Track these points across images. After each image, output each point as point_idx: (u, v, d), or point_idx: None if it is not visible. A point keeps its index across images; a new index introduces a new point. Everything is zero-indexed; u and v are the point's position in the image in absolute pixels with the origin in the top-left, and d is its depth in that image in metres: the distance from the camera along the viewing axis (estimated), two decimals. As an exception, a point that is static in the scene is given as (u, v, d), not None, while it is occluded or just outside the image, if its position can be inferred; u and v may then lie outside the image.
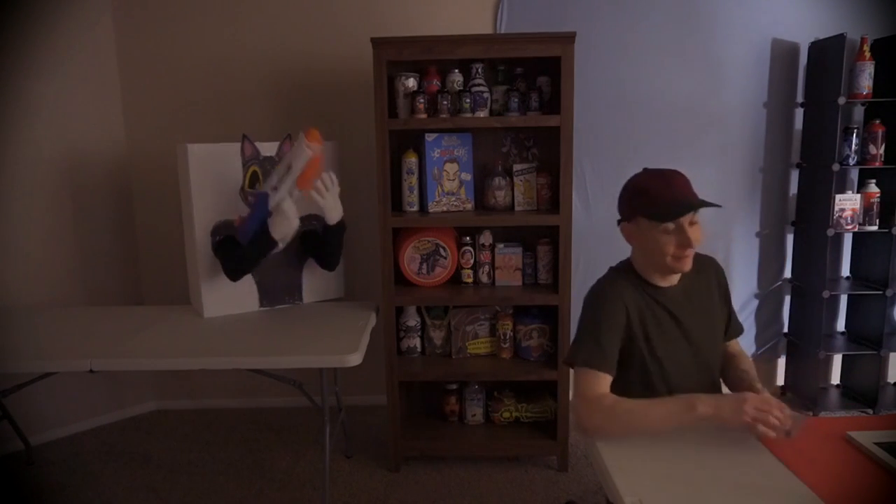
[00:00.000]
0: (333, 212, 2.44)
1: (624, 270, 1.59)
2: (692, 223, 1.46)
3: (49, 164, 2.84)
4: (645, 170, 1.54)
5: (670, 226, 1.44)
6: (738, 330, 1.72)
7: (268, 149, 2.51)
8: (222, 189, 2.45)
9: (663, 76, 2.99)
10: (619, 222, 1.57)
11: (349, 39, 2.92)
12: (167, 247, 3.05)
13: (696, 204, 1.45)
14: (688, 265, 1.49)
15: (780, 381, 3.30)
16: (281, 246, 2.44)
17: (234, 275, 2.44)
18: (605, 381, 1.43)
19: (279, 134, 2.95)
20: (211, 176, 2.43)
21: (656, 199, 1.45)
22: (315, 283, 2.67)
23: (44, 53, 2.77)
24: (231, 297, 2.53)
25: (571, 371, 1.50)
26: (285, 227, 2.35)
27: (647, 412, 1.36)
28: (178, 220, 2.74)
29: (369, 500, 2.46)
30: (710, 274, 1.64)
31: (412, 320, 2.70)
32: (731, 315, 1.70)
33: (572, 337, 1.55)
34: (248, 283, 2.54)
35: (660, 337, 1.51)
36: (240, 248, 2.39)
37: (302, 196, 2.37)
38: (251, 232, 2.35)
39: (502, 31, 2.93)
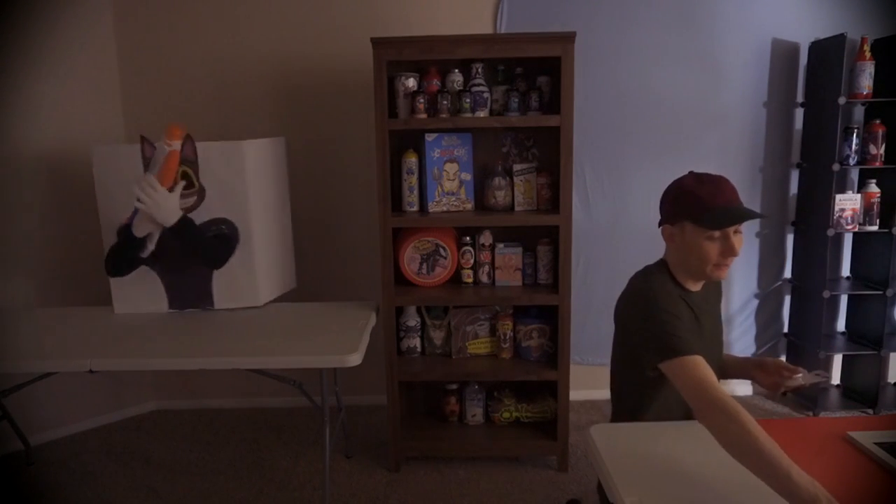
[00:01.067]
0: (161, 214, 2.38)
1: (661, 272, 1.57)
2: (736, 232, 1.44)
3: (49, 164, 2.84)
4: (692, 173, 1.51)
5: (716, 233, 1.42)
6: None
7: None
8: (128, 190, 2.42)
9: (663, 76, 2.99)
10: (660, 223, 1.55)
11: (349, 39, 2.92)
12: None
13: (747, 214, 1.42)
14: (725, 274, 1.48)
15: (780, 381, 3.30)
16: (150, 247, 2.45)
17: (108, 268, 2.51)
18: (708, 366, 1.35)
19: (279, 134, 2.96)
20: (116, 177, 2.45)
21: (706, 205, 1.42)
22: (228, 289, 2.57)
23: (44, 53, 2.77)
24: (139, 297, 2.56)
25: (669, 363, 1.36)
26: (143, 226, 2.39)
27: (764, 448, 1.13)
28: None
29: (369, 500, 2.46)
30: (715, 283, 1.65)
31: (412, 320, 2.70)
32: None
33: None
34: (155, 284, 2.56)
35: (693, 338, 1.50)
36: (117, 244, 2.47)
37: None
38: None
39: (502, 31, 2.93)
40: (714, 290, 1.66)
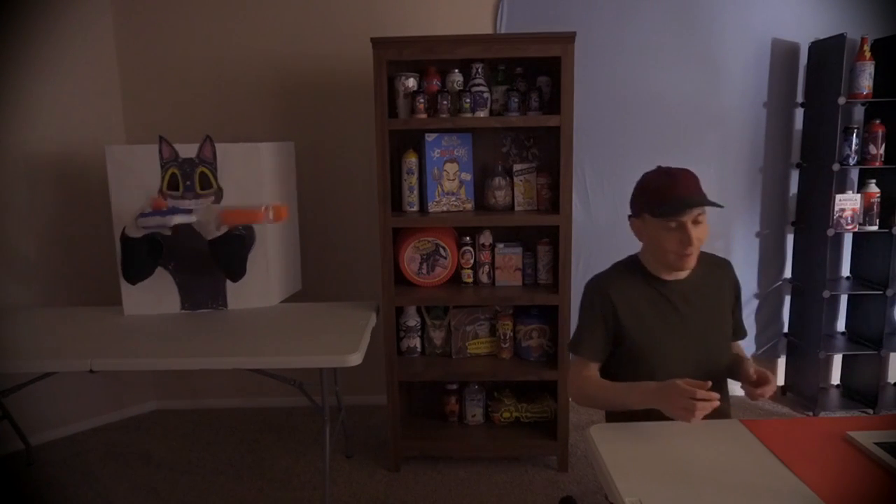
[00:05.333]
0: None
1: (627, 264, 1.65)
2: (696, 222, 1.48)
3: (49, 164, 2.84)
4: (658, 167, 1.57)
5: (672, 223, 1.47)
6: (743, 334, 1.74)
7: (187, 150, 2.48)
8: (143, 190, 2.44)
9: (663, 76, 2.99)
10: (629, 217, 1.61)
11: (349, 39, 2.92)
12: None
13: (694, 202, 1.47)
14: (690, 263, 1.53)
15: (781, 381, 3.30)
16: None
17: (127, 278, 2.49)
18: (590, 366, 1.61)
19: (279, 134, 2.96)
20: (130, 177, 2.45)
21: (661, 196, 1.48)
22: (242, 289, 2.59)
23: (44, 53, 2.76)
24: (151, 298, 2.54)
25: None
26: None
27: (605, 394, 1.53)
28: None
29: (369, 500, 2.46)
30: (722, 275, 1.67)
31: (412, 320, 2.70)
32: (739, 318, 1.73)
33: (572, 333, 1.65)
34: (168, 284, 2.55)
35: (660, 326, 1.56)
36: (133, 252, 2.42)
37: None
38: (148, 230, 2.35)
39: (502, 31, 2.93)
40: (720, 286, 1.65)
